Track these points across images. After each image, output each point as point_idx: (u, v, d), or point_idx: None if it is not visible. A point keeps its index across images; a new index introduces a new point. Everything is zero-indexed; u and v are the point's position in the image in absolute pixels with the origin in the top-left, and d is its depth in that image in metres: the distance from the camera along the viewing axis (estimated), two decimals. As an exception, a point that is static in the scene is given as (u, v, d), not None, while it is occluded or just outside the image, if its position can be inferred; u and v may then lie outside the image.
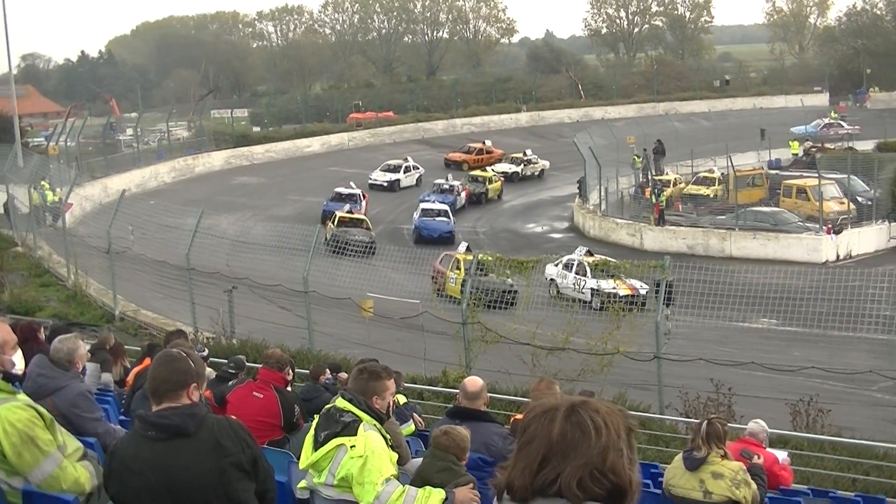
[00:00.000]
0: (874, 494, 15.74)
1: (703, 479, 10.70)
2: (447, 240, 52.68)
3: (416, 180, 71.28)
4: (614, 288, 34.42)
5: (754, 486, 10.81)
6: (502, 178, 71.42)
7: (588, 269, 37.86)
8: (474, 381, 10.45)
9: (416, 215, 58.14)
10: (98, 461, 7.08)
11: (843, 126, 74.62)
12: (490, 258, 33.25)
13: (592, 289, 35.44)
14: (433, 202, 60.17)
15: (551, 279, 37.58)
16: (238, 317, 29.89)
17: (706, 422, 11.17)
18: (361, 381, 7.61)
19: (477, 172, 70.55)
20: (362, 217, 55.37)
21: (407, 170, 71.97)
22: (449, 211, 58.07)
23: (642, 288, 34.24)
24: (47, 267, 41.21)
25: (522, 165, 75.62)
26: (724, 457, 10.86)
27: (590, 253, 42.20)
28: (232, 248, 39.87)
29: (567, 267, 39.27)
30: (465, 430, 8.70)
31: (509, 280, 32.00)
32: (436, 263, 36.69)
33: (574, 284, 36.42)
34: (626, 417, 3.33)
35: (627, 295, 33.47)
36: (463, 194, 65.05)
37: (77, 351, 9.45)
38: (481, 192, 67.55)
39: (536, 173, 76.16)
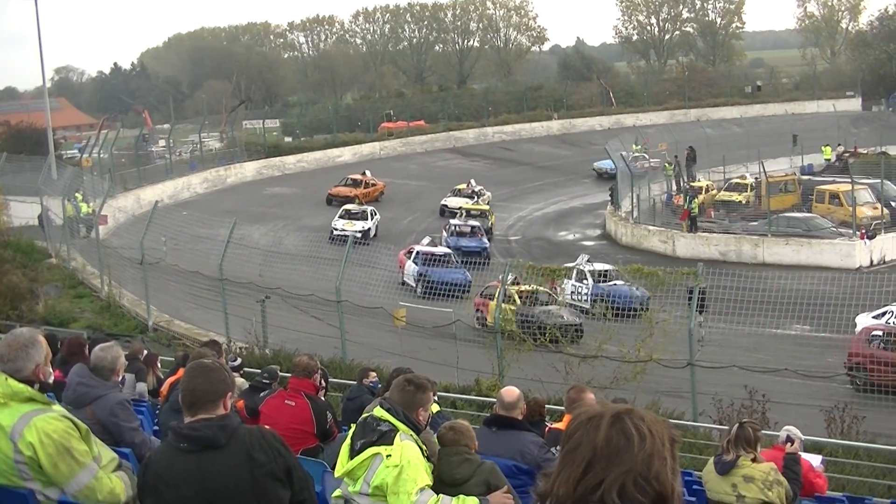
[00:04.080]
0: (911, 501, 15.67)
1: (735, 483, 10.74)
2: None
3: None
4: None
5: (786, 483, 10.82)
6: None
7: (589, 277, 37.87)
8: (511, 391, 10.49)
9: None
10: (133, 472, 7.11)
11: (647, 159, 73.13)
12: (517, 289, 33.07)
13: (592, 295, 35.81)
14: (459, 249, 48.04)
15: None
16: (271, 327, 29.94)
17: (737, 425, 11.23)
18: (409, 394, 7.60)
19: (469, 206, 61.41)
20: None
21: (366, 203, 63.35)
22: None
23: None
24: (81, 278, 41.45)
25: (473, 200, 65.32)
26: (755, 460, 10.87)
27: (589, 261, 41.36)
28: (264, 258, 40.00)
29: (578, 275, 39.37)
30: (468, 424, 8.70)
31: (562, 311, 32.18)
32: (476, 298, 34.08)
33: (573, 292, 36.83)
34: (671, 427, 3.33)
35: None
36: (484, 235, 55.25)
37: (119, 360, 9.53)
38: (488, 227, 57.71)
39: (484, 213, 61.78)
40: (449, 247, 48.32)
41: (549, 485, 3.35)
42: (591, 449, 3.23)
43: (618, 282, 36.78)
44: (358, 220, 56.05)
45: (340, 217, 56.71)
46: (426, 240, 48.16)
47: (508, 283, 32.30)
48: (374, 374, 16.39)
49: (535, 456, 9.86)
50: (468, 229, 54.19)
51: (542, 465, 9.85)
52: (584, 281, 37.62)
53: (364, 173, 72.23)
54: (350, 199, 64.61)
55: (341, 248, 31.61)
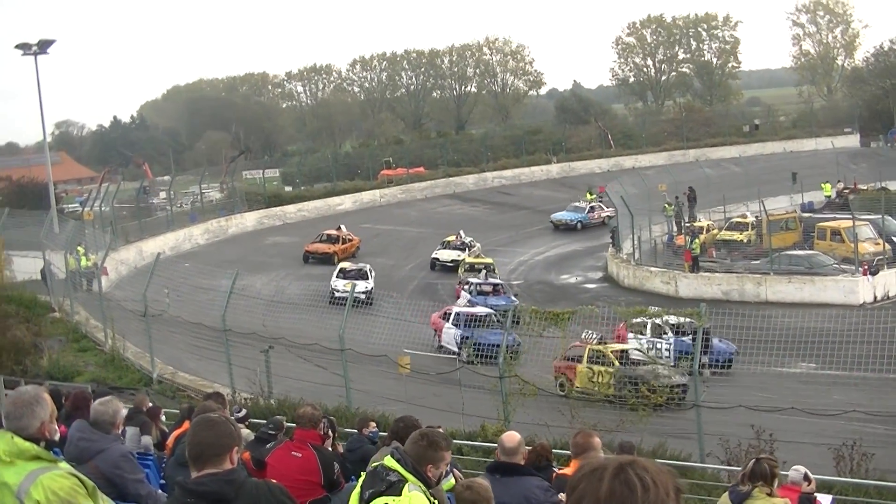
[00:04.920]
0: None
1: None
2: None
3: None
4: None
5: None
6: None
7: (669, 331, 36.13)
8: (512, 437, 10.41)
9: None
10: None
11: (602, 208, 73.91)
12: (610, 349, 31.88)
13: None
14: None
15: None
16: (275, 376, 29.92)
17: (754, 460, 11.20)
18: (420, 448, 7.56)
19: (472, 260, 59.34)
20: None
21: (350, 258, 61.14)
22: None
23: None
24: (84, 331, 41.44)
25: (465, 252, 62.87)
26: (770, 495, 10.84)
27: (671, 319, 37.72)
28: (267, 307, 39.99)
29: None
30: (486, 481, 8.65)
31: (667, 371, 31.39)
32: (556, 362, 32.22)
33: (650, 348, 35.45)
34: (675, 477, 3.31)
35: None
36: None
37: (119, 413, 9.55)
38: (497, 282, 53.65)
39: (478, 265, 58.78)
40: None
41: None
42: (595, 501, 3.21)
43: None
44: (358, 278, 50.90)
45: (339, 277, 52.80)
46: (463, 299, 46.65)
47: (594, 342, 31.95)
48: (373, 423, 16.38)
49: (542, 500, 9.81)
50: (490, 288, 50.46)
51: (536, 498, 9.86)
52: (665, 335, 35.91)
53: (339, 228, 69.64)
54: (328, 255, 63.71)
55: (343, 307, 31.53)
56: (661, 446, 22.67)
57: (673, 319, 36.26)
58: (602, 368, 29.87)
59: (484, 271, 53.94)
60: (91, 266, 48.06)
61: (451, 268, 60.48)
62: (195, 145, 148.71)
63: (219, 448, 5.81)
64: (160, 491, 10.20)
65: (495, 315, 37.73)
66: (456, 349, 36.99)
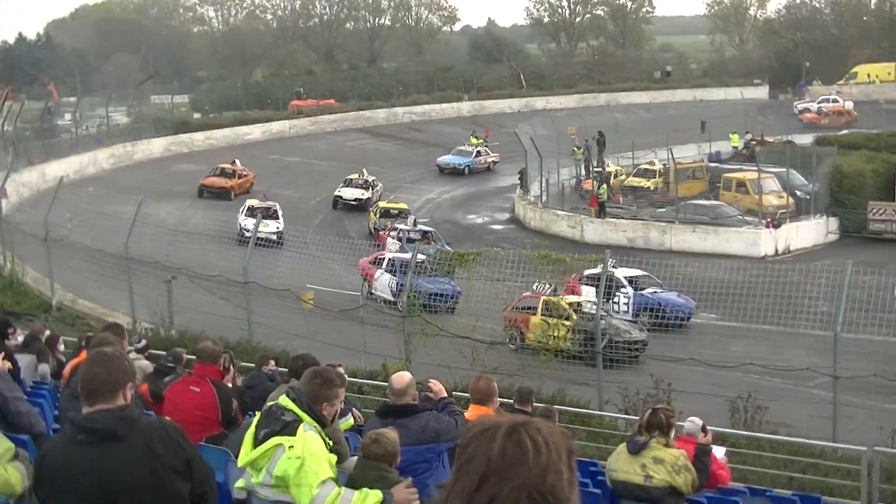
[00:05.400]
0: (810, 493, 15.85)
1: (644, 464, 10.90)
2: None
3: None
4: None
5: (694, 473, 10.95)
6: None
7: (629, 286, 35.11)
8: (401, 377, 10.26)
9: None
10: (30, 461, 6.97)
11: (489, 153, 74.73)
12: (567, 302, 30.71)
13: None
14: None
15: None
16: (177, 307, 29.63)
17: (650, 410, 11.41)
18: (314, 386, 7.51)
19: (387, 205, 56.96)
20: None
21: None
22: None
23: None
24: (-19, 255, 40.76)
25: (368, 191, 62.45)
26: (667, 445, 10.98)
27: (615, 266, 34.68)
28: (171, 237, 39.60)
29: None
30: (393, 432, 8.61)
31: (626, 326, 30.90)
32: (507, 313, 30.77)
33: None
34: (568, 438, 3.27)
35: None
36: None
37: None
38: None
39: (376, 198, 61.27)
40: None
41: (443, 498, 3.29)
42: (486, 462, 3.17)
43: (657, 289, 34.58)
44: (270, 218, 47.47)
45: (247, 215, 48.62)
46: (393, 246, 43.63)
47: (547, 293, 30.98)
48: (272, 361, 16.34)
49: (440, 427, 9.82)
50: (419, 235, 47.14)
51: (450, 429, 9.85)
52: (623, 289, 34.72)
53: (234, 161, 66.66)
54: (225, 191, 61.67)
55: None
56: (561, 392, 22.81)
57: (629, 273, 35.12)
58: (557, 321, 28.93)
59: (413, 217, 52.66)
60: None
61: (354, 206, 60.10)
62: (103, 67, 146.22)
63: (111, 384, 5.69)
64: (54, 423, 10.10)
65: (429, 262, 34.70)
66: (391, 297, 34.66)
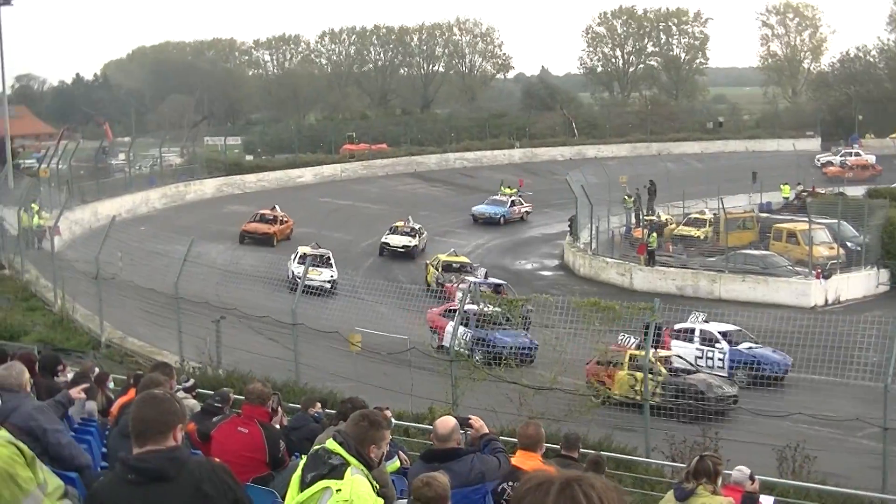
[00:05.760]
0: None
1: None
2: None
3: None
4: None
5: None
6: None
7: (723, 341, 34.39)
8: (445, 423, 10.23)
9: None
10: (79, 498, 7.01)
11: (522, 203, 73.70)
12: (657, 356, 29.37)
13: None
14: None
15: None
16: (225, 347, 29.79)
17: (698, 457, 11.33)
18: (361, 429, 7.50)
19: (448, 258, 54.37)
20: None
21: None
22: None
23: None
24: (34, 291, 41.13)
25: (415, 238, 61.51)
26: (714, 493, 10.92)
27: (706, 320, 35.42)
28: (221, 277, 39.77)
29: None
30: (444, 476, 8.57)
31: (716, 381, 30.38)
32: (590, 366, 30.12)
33: (700, 357, 34.14)
34: (622, 494, 3.26)
35: None
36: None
37: (24, 375, 9.60)
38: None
39: (422, 246, 61.83)
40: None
41: None
42: None
43: (753, 345, 33.84)
44: (323, 266, 47.97)
45: (300, 262, 45.85)
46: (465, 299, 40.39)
47: (631, 347, 30.11)
48: (319, 404, 16.32)
49: (483, 468, 9.81)
50: (491, 288, 43.69)
51: (493, 471, 9.87)
52: (718, 344, 34.22)
53: (274, 207, 65.52)
54: (268, 237, 60.68)
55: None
56: (608, 438, 22.72)
57: (721, 327, 34.42)
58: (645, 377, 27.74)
59: (484, 270, 52.02)
60: (41, 224, 47.75)
61: (401, 254, 59.61)
62: (158, 108, 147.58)
63: (162, 425, 5.75)
64: (102, 461, 10.14)
65: (506, 314, 34.46)
66: (466, 352, 31.25)
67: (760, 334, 29.40)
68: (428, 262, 54.86)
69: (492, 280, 47.58)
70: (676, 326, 32.84)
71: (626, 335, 29.96)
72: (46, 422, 9.22)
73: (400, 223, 62.97)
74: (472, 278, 47.07)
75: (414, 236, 61.30)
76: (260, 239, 60.28)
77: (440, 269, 52.29)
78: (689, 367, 31.37)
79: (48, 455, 8.83)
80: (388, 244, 60.73)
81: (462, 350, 31.03)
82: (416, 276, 53.52)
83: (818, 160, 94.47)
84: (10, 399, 9.10)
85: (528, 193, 77.73)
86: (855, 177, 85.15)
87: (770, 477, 19.25)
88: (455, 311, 34.75)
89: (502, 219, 72.66)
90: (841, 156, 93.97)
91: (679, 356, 31.85)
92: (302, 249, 51.81)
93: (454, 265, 53.49)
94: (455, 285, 45.08)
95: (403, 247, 60.01)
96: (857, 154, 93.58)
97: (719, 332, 34.19)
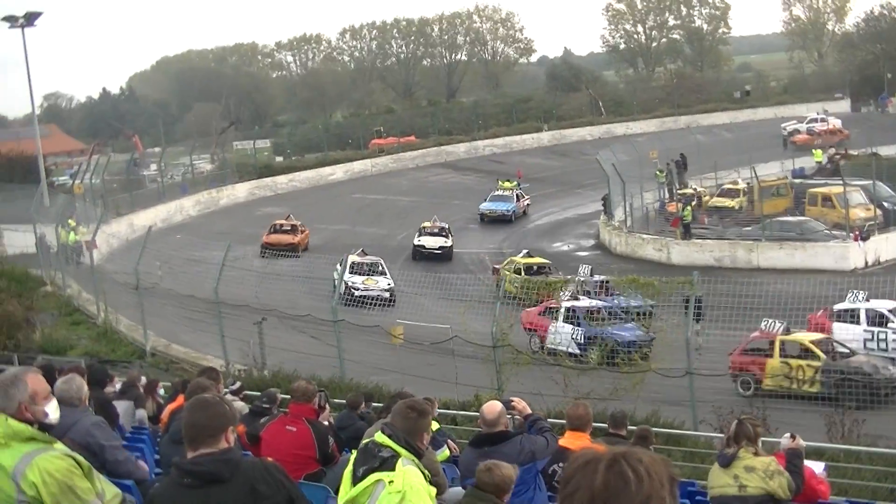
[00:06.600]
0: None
1: (737, 475, 10.98)
2: None
3: None
4: None
5: (787, 475, 10.96)
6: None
7: (863, 317, 31.27)
8: (492, 407, 10.37)
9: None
10: (136, 505, 7.11)
11: (524, 196, 69.78)
12: (806, 339, 28.53)
13: None
14: None
15: None
16: (269, 348, 29.92)
17: (736, 421, 11.51)
18: (411, 420, 7.55)
19: (524, 261, 48.42)
20: None
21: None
22: None
23: None
24: (77, 305, 41.49)
25: (448, 238, 58.86)
26: (756, 454, 11.01)
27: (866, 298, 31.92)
28: (259, 279, 39.99)
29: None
30: (511, 468, 8.64)
31: (878, 363, 28.09)
32: (734, 356, 29.14)
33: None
34: (669, 466, 3.31)
35: None
36: None
37: (83, 388, 9.70)
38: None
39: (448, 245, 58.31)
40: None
41: None
42: (589, 493, 3.21)
43: None
44: (377, 274, 45.60)
45: (353, 272, 44.28)
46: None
47: (778, 332, 28.57)
48: (363, 403, 16.40)
49: (532, 447, 10.09)
50: (597, 286, 38.76)
51: (542, 450, 10.16)
52: (892, 324, 31.24)
53: (289, 216, 62.22)
54: (293, 247, 54.67)
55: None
56: (654, 414, 22.71)
57: (884, 304, 30.78)
58: (803, 363, 27.47)
59: (589, 267, 44.33)
60: (77, 240, 48.11)
61: (438, 255, 56.25)
62: (185, 117, 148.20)
63: (213, 429, 5.84)
64: (142, 463, 10.25)
65: (621, 309, 33.27)
66: (576, 350, 31.20)
67: (802, 300, 29.10)
68: (498, 266, 48.39)
69: (597, 277, 41.40)
70: (836, 307, 30.86)
71: (771, 320, 28.25)
72: (104, 438, 9.33)
73: (427, 223, 60.48)
74: (576, 276, 42.32)
75: (446, 236, 58.86)
76: (285, 250, 52.85)
77: (522, 274, 45.22)
78: (846, 350, 29.07)
79: (105, 470, 8.95)
80: (423, 247, 57.50)
81: (570, 350, 30.91)
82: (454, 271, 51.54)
83: (784, 129, 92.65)
84: (70, 414, 9.20)
85: (526, 185, 74.66)
86: (825, 142, 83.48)
87: (819, 443, 19.21)
88: (554, 309, 34.15)
89: (513, 215, 68.99)
90: (808, 123, 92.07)
91: (831, 338, 29.67)
92: (351, 258, 46.15)
93: (533, 267, 47.73)
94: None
95: (440, 248, 57.19)
96: (823, 120, 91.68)
97: (889, 311, 30.86)
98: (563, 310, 33.61)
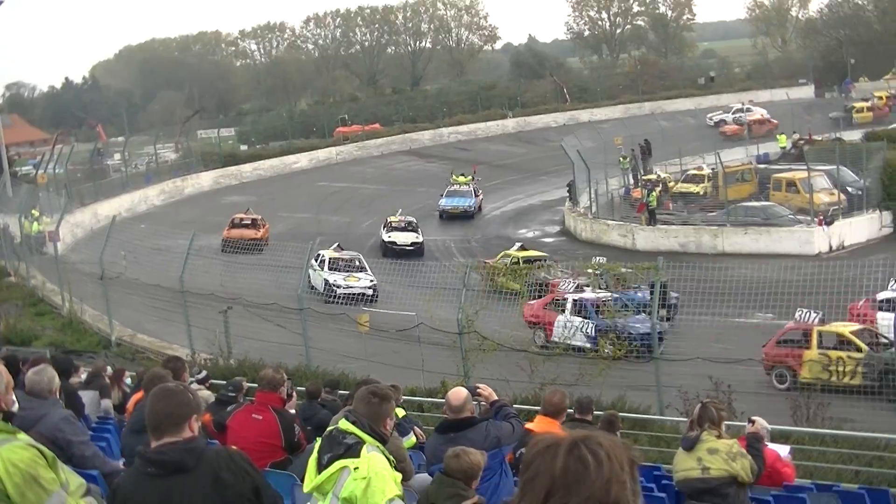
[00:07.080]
0: (877, 486, 15.75)
1: (700, 458, 11.06)
2: None
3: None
4: None
5: (750, 458, 11.04)
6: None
7: None
8: (457, 393, 10.41)
9: None
10: (101, 496, 7.07)
11: (479, 193, 67.85)
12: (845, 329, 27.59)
13: None
14: None
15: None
16: (234, 337, 29.84)
17: (700, 405, 11.58)
18: (374, 406, 7.53)
19: (522, 254, 46.96)
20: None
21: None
22: None
23: None
24: (41, 296, 41.28)
25: (417, 232, 57.12)
26: (719, 437, 11.09)
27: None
28: (225, 268, 39.88)
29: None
30: (480, 455, 8.64)
31: None
32: (768, 348, 28.45)
33: None
34: (630, 449, 3.33)
35: None
36: None
37: (55, 380, 9.58)
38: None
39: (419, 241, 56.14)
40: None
41: None
42: (550, 478, 3.22)
43: None
44: (357, 270, 43.77)
45: (333, 269, 43.61)
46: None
47: (814, 322, 27.58)
48: (323, 391, 16.36)
49: (501, 434, 10.15)
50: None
51: (508, 436, 10.24)
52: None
53: (248, 210, 60.49)
54: (257, 241, 50.98)
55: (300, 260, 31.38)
56: (621, 399, 22.76)
57: None
58: (843, 354, 26.48)
59: (513, 259, 44.62)
60: (40, 230, 47.86)
61: (409, 251, 53.69)
62: (149, 106, 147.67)
63: (177, 417, 5.80)
64: (105, 456, 10.20)
65: (632, 300, 31.88)
66: (586, 343, 30.02)
67: (766, 284, 29.23)
68: (490, 261, 44.31)
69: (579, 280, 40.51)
70: (879, 296, 29.45)
71: (805, 310, 27.12)
72: (72, 433, 9.27)
73: (393, 218, 58.60)
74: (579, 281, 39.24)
75: (415, 230, 57.06)
76: (247, 244, 48.37)
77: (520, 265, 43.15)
78: (886, 340, 27.73)
79: (72, 465, 8.91)
80: (394, 243, 55.18)
81: (578, 343, 29.74)
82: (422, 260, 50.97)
83: (710, 119, 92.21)
84: (39, 406, 9.15)
85: (478, 179, 71.61)
86: (755, 133, 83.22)
87: (785, 426, 19.30)
88: (559, 301, 32.96)
89: (474, 211, 66.39)
90: (734, 113, 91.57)
91: (870, 328, 28.51)
92: (328, 254, 45.23)
93: (530, 260, 44.91)
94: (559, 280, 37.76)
95: (412, 244, 55.12)
96: (749, 110, 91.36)
97: None
98: (570, 302, 32.49)
